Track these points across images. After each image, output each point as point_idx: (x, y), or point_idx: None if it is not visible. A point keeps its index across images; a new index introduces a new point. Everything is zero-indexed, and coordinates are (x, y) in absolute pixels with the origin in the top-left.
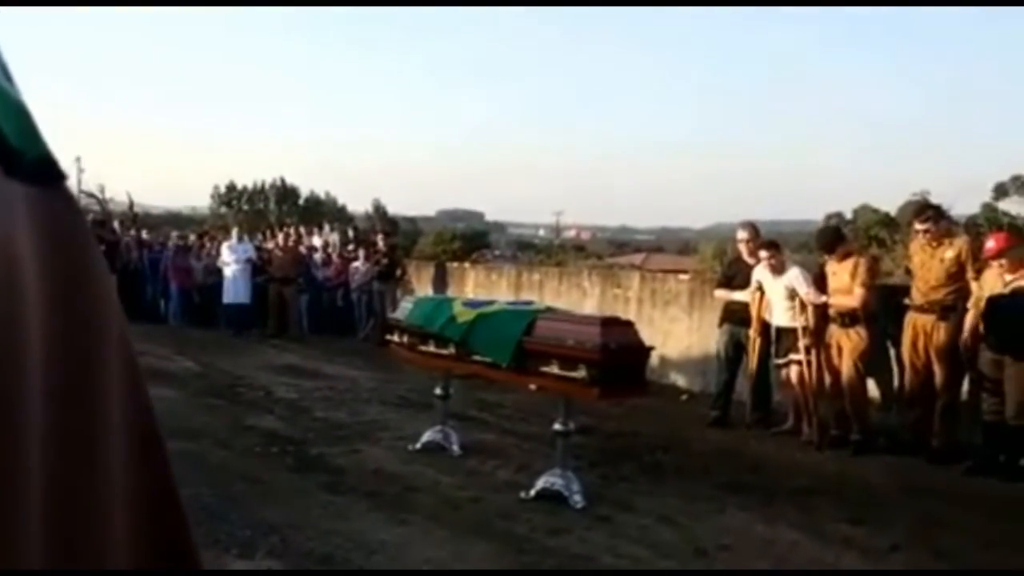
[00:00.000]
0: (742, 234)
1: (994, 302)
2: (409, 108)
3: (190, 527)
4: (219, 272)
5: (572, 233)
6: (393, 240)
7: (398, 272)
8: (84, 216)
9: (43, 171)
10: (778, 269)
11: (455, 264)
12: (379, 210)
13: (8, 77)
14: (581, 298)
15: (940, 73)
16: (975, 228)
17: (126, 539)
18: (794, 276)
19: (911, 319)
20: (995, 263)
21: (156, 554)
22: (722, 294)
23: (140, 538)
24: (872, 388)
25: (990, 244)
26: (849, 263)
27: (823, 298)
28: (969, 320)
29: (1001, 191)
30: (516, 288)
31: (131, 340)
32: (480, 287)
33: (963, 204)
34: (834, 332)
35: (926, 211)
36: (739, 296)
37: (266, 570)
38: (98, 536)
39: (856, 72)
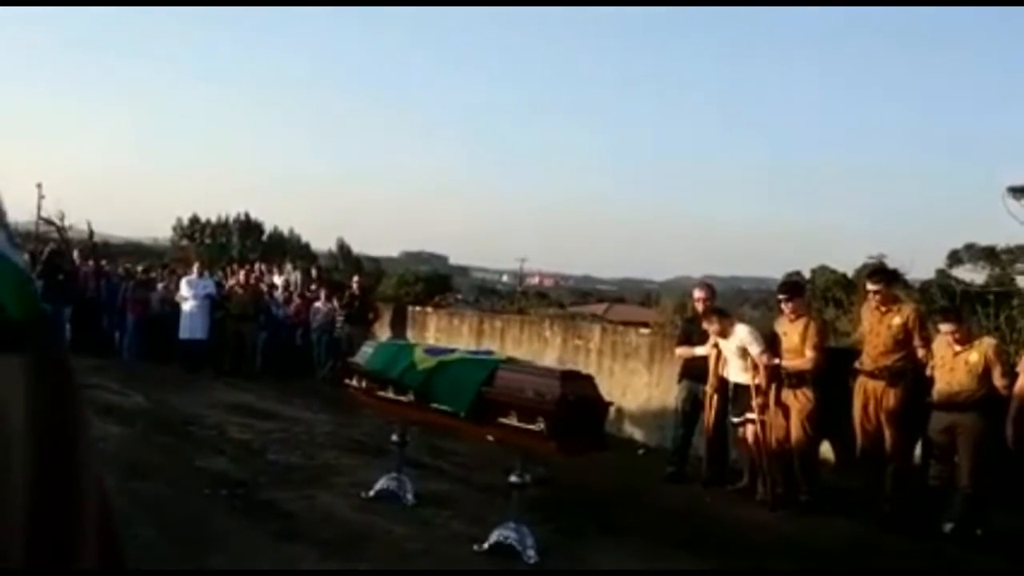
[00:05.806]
0: (698, 293)
1: None
2: (377, 150)
3: None
4: (175, 304)
5: (535, 280)
6: (366, 283)
7: (370, 315)
8: (71, 373)
9: (36, 331)
10: (724, 335)
11: (417, 308)
12: (343, 249)
13: (14, 243)
14: (543, 348)
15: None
16: (928, 294)
17: None
18: (744, 335)
19: (861, 383)
20: (945, 334)
21: None
22: (683, 351)
23: None
24: (827, 449)
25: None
26: (800, 324)
27: (775, 360)
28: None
29: (955, 258)
30: (478, 335)
31: (102, 472)
32: (441, 332)
33: (918, 269)
34: (783, 392)
35: (878, 273)
36: (700, 351)
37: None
38: None
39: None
